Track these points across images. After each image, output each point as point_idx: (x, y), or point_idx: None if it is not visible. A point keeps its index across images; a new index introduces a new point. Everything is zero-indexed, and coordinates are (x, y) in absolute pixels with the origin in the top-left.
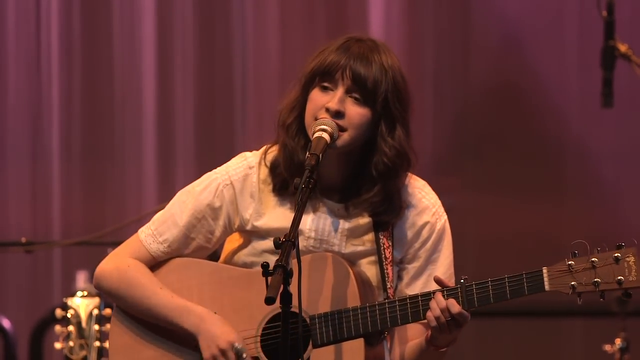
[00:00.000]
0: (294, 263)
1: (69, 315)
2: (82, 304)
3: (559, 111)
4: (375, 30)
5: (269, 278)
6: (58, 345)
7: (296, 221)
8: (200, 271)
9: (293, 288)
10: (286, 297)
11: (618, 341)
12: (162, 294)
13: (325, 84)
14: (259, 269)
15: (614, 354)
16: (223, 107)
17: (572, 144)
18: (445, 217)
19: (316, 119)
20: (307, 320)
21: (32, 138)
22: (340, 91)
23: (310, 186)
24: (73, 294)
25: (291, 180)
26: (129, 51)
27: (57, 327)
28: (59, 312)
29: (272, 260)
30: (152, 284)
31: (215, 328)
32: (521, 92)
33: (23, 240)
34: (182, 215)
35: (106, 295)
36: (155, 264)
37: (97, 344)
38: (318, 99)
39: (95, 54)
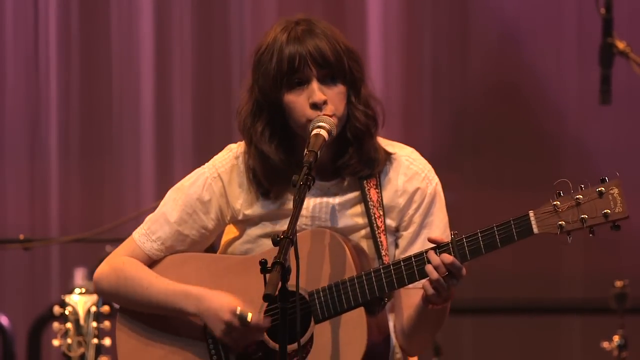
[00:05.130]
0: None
1: (66, 312)
2: (80, 301)
3: (557, 108)
4: (373, 27)
5: (267, 275)
6: (56, 342)
7: (294, 218)
8: (197, 265)
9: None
10: (284, 295)
11: (616, 338)
12: (158, 282)
13: (296, 82)
14: (254, 254)
15: (612, 351)
16: (221, 103)
17: (570, 140)
18: (437, 180)
19: (308, 119)
20: (307, 297)
21: (30, 135)
22: (314, 82)
23: (308, 183)
24: (71, 291)
25: (271, 189)
26: (126, 48)
27: (55, 324)
28: (56, 309)
29: (267, 244)
30: (148, 275)
31: (214, 303)
32: (519, 89)
33: (21, 237)
34: (172, 212)
35: (107, 297)
36: (151, 262)
37: (95, 341)
38: (297, 100)
39: (93, 51)
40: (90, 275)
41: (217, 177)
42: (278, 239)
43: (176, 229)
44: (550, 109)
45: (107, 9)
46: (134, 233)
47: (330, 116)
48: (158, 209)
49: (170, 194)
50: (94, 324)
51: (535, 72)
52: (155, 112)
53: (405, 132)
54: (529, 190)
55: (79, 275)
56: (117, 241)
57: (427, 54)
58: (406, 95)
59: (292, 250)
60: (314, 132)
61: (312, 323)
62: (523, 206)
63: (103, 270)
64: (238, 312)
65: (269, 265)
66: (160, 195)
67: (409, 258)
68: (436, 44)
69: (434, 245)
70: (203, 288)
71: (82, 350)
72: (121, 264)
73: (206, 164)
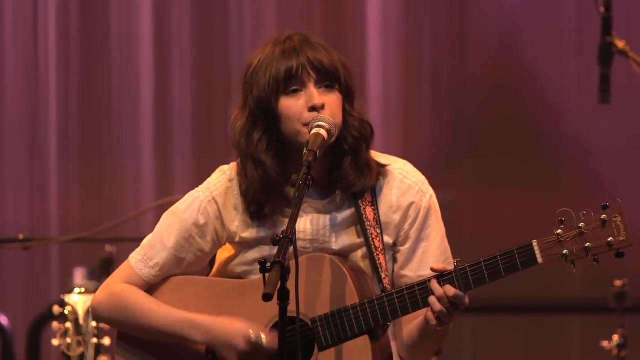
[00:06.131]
0: (291, 262)
1: (66, 312)
2: (79, 301)
3: (556, 107)
4: (372, 28)
5: (266, 274)
6: (55, 342)
7: (293, 217)
8: (195, 288)
9: (290, 286)
10: (283, 293)
11: (615, 337)
12: (159, 310)
13: (293, 88)
14: (252, 278)
15: (612, 349)
16: (220, 103)
17: (570, 139)
18: (431, 192)
19: (304, 123)
20: (309, 323)
21: (29, 134)
22: (311, 86)
23: (307, 182)
24: (70, 290)
25: (266, 202)
26: (126, 48)
27: (55, 324)
28: (56, 309)
29: None
30: (149, 302)
31: (226, 333)
32: (518, 88)
33: (20, 236)
34: (169, 237)
35: (105, 323)
36: (148, 287)
37: (94, 340)
38: (293, 104)
39: (92, 50)
40: (89, 274)
41: (212, 200)
42: (277, 238)
43: (173, 253)
44: (550, 108)
45: (107, 8)
46: (129, 258)
47: None
48: (153, 233)
49: (165, 218)
50: (93, 323)
51: (534, 71)
52: (154, 111)
53: (405, 132)
54: (528, 189)
55: (78, 274)
56: (117, 241)
57: (426, 54)
58: (406, 95)
59: (291, 258)
60: (313, 131)
61: (316, 350)
62: (522, 205)
63: (100, 296)
64: (253, 338)
65: (268, 264)
66: (159, 194)
67: (412, 286)
68: (435, 44)
69: (436, 273)
70: (207, 316)
71: (81, 349)
72: (119, 290)
73: (200, 187)
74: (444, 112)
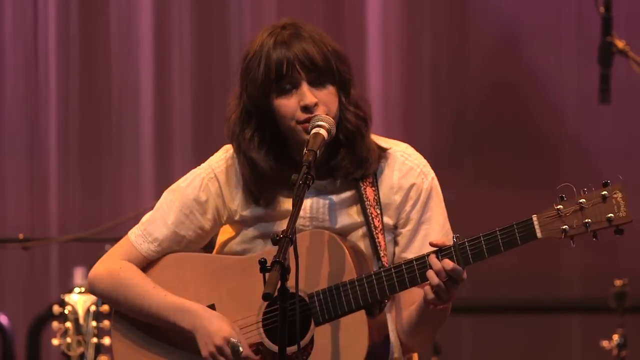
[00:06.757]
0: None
1: (66, 312)
2: (79, 300)
3: (556, 107)
4: (372, 27)
5: (267, 274)
6: (55, 342)
7: (294, 217)
8: (193, 264)
9: (291, 266)
10: (284, 294)
11: (616, 337)
12: (155, 293)
13: (286, 87)
14: (252, 255)
15: (612, 350)
16: (220, 103)
17: (570, 139)
18: (433, 174)
19: (298, 121)
20: (306, 299)
21: (29, 134)
22: (303, 85)
23: (308, 182)
24: (70, 290)
25: (260, 196)
26: (126, 48)
27: (55, 324)
28: (56, 309)
29: (263, 245)
30: (145, 283)
31: (210, 325)
32: (519, 88)
33: (20, 236)
34: (169, 213)
35: (100, 298)
36: (147, 263)
37: (95, 340)
38: (287, 103)
39: (92, 51)
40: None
41: (214, 177)
42: (277, 238)
43: (173, 230)
44: (550, 108)
45: (107, 8)
46: (129, 233)
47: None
48: (154, 210)
49: (166, 195)
50: (94, 323)
51: (534, 71)
52: (154, 111)
53: (405, 132)
54: (528, 189)
55: (79, 274)
56: (117, 240)
57: (426, 53)
58: (406, 95)
59: (291, 251)
60: (314, 131)
61: (313, 325)
62: (522, 204)
63: (98, 271)
64: (231, 342)
65: (268, 264)
66: (159, 194)
67: (411, 261)
68: (436, 44)
69: (435, 248)
70: (200, 305)
71: (81, 349)
72: (118, 269)
73: (202, 165)
74: (444, 112)
